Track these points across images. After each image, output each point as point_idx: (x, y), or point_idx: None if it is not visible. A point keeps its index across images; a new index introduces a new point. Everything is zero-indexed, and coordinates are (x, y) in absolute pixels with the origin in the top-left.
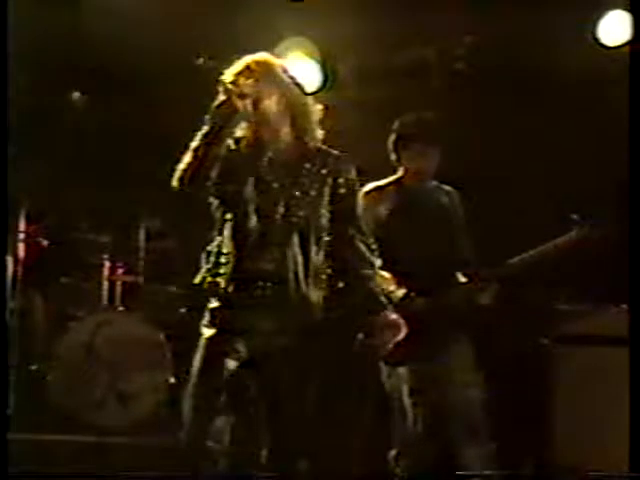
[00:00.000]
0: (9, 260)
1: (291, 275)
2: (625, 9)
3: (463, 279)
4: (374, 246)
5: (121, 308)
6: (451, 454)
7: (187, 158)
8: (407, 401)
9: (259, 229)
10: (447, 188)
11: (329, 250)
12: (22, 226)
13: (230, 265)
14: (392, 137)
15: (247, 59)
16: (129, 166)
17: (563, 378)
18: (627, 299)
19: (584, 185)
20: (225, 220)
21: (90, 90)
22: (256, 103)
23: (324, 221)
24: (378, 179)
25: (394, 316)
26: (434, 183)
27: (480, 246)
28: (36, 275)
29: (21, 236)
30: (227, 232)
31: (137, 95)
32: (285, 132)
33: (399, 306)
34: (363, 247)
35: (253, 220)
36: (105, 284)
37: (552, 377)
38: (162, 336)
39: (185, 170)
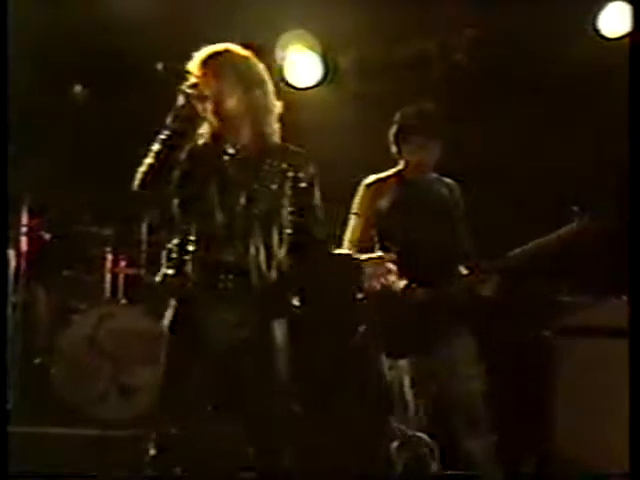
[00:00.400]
0: (12, 254)
1: (253, 267)
2: (625, 0)
3: (464, 271)
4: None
5: (124, 301)
6: (452, 446)
7: (148, 160)
8: (408, 393)
9: (222, 223)
10: (448, 180)
11: (290, 241)
12: (24, 220)
13: (193, 261)
14: (393, 129)
15: (208, 50)
16: (131, 159)
17: (564, 370)
18: (627, 290)
19: (584, 176)
20: (186, 217)
21: (92, 84)
22: (217, 103)
23: (285, 214)
24: (379, 172)
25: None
26: (435, 175)
27: (481, 238)
28: (39, 268)
29: (23, 230)
30: (189, 229)
31: (138, 89)
32: (246, 129)
33: (401, 297)
34: (320, 235)
35: (215, 216)
36: (108, 277)
37: (553, 369)
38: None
39: (146, 173)
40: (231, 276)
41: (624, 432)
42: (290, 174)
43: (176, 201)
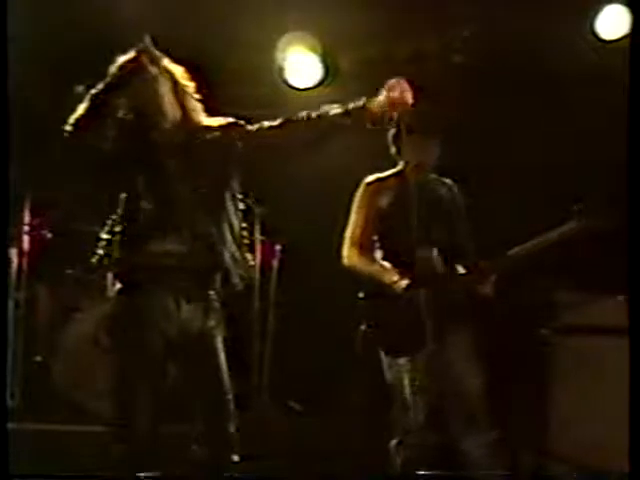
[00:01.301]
0: (14, 252)
1: (196, 252)
2: (622, 3)
3: (463, 270)
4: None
5: None
6: (451, 443)
7: (85, 104)
8: (408, 391)
9: (158, 210)
10: (446, 180)
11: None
12: (26, 218)
13: (129, 246)
14: (391, 130)
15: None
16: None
17: (562, 368)
18: (626, 289)
19: (582, 176)
20: (121, 199)
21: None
22: (160, 73)
23: (221, 191)
24: (379, 172)
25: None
26: (434, 175)
27: (479, 238)
28: (41, 267)
29: (25, 228)
30: (122, 212)
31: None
32: (175, 108)
33: (400, 296)
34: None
35: (149, 200)
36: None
37: (551, 367)
38: None
39: (81, 115)
40: (173, 264)
41: (622, 431)
42: (220, 151)
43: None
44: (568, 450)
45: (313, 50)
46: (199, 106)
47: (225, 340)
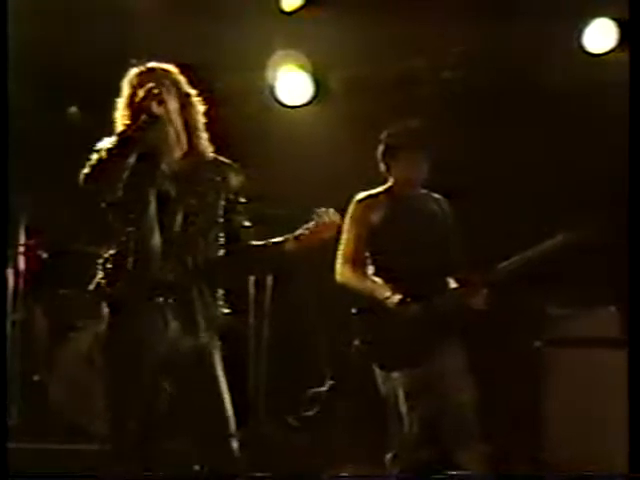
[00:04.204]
0: (10, 272)
1: (190, 283)
2: (610, 17)
3: (454, 284)
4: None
5: None
6: (446, 457)
7: (100, 155)
8: (402, 405)
9: (159, 241)
10: (436, 196)
11: (224, 250)
12: (22, 239)
13: (128, 276)
14: (380, 147)
15: (137, 69)
16: None
17: (555, 380)
18: (617, 301)
19: (572, 189)
20: (125, 230)
21: (88, 106)
22: (167, 113)
23: (220, 225)
24: (369, 189)
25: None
26: (424, 191)
27: (470, 251)
28: (37, 287)
29: (21, 249)
30: (127, 242)
31: None
32: (181, 143)
33: (393, 311)
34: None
35: (153, 233)
36: None
37: (544, 380)
38: None
39: (95, 167)
40: (168, 293)
41: (617, 440)
42: (224, 186)
43: (113, 212)
44: (564, 461)
45: (303, 68)
46: (205, 136)
47: (222, 357)
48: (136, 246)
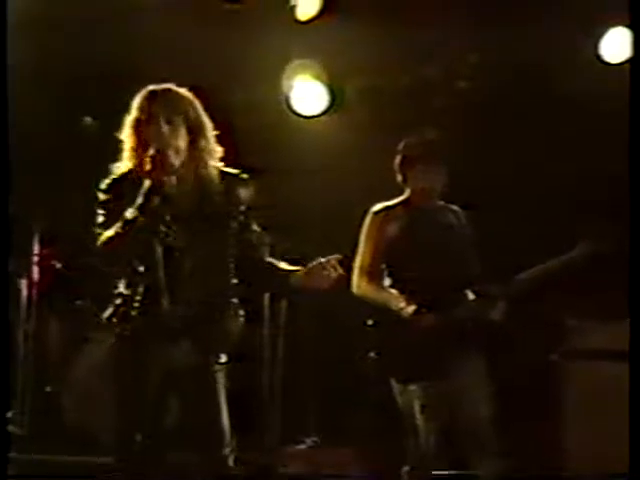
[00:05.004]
0: (24, 283)
1: (202, 313)
2: (626, 26)
3: (472, 296)
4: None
5: None
6: (462, 470)
7: (119, 226)
8: (419, 417)
9: (168, 285)
10: (453, 207)
11: (237, 275)
12: (36, 249)
13: (140, 308)
14: (397, 158)
15: (148, 89)
16: None
17: (571, 393)
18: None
19: (589, 201)
20: (134, 274)
21: (103, 116)
22: (164, 154)
23: (232, 250)
24: (385, 199)
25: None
26: (441, 203)
27: (488, 263)
28: (50, 298)
29: (35, 259)
30: (136, 284)
31: None
32: (188, 179)
33: (410, 323)
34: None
35: (161, 278)
36: None
37: (561, 392)
38: None
39: (113, 239)
40: (179, 330)
41: None
42: (232, 207)
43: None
44: (580, 473)
45: (319, 78)
46: (214, 163)
47: (231, 371)
48: (145, 284)
